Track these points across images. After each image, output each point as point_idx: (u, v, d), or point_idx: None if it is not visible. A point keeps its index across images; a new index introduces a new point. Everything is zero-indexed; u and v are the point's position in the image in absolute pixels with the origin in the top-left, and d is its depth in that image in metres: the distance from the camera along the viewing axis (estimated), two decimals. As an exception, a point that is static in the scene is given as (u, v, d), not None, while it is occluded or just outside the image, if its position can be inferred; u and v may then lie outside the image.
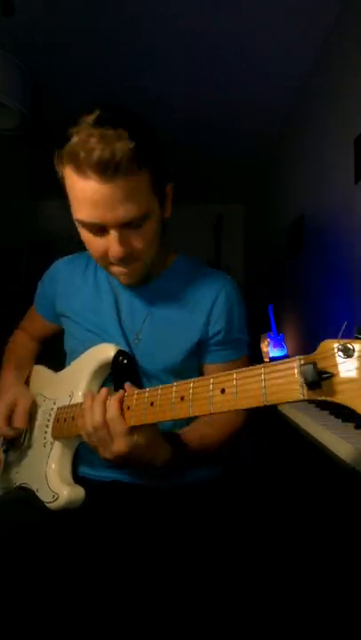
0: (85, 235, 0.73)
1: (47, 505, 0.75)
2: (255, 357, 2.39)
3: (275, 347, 2.24)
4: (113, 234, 0.69)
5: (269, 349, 2.25)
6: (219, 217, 3.96)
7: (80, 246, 0.98)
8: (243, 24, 1.85)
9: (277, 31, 1.87)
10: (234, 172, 3.44)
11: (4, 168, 3.33)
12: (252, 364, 0.54)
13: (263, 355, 2.33)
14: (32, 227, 4.05)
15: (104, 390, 0.70)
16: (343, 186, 1.68)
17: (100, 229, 0.70)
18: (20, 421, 0.85)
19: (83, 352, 0.85)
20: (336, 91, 1.79)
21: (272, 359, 2.22)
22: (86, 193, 0.65)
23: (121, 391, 0.69)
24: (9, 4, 1.68)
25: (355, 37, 1.60)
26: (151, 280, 0.86)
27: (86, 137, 0.62)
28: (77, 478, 0.82)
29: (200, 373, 0.89)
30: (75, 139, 0.64)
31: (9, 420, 0.85)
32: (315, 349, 0.49)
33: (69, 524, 0.75)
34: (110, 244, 0.70)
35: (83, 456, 0.85)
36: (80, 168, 0.64)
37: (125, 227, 0.69)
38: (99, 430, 0.67)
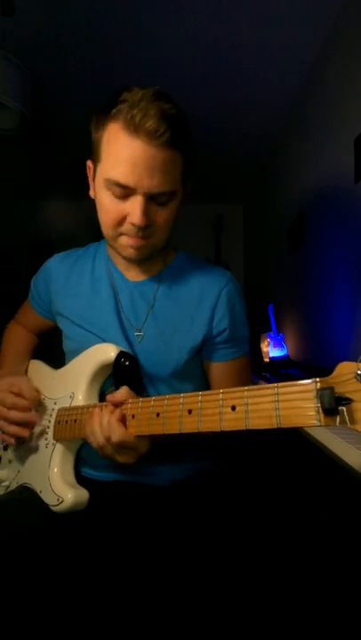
0: (107, 198, 0.72)
1: (52, 508, 0.75)
2: (256, 357, 2.40)
3: (275, 347, 2.24)
4: (139, 200, 0.69)
5: (269, 349, 2.25)
6: (219, 217, 3.96)
7: (80, 246, 0.98)
8: (243, 24, 1.85)
9: (277, 31, 1.87)
10: (234, 172, 3.44)
11: (4, 168, 3.33)
12: (252, 365, 0.53)
13: (263, 355, 2.33)
14: (32, 226, 4.04)
15: (104, 411, 0.69)
16: (343, 185, 1.68)
17: (127, 194, 0.70)
18: (30, 394, 0.82)
19: (82, 351, 0.84)
20: (336, 91, 1.79)
21: (272, 359, 2.21)
22: (131, 152, 0.67)
23: (119, 410, 0.68)
24: (9, 3, 1.68)
25: (355, 37, 1.60)
26: (152, 276, 0.85)
27: (145, 103, 0.66)
28: (80, 478, 0.82)
29: (203, 372, 0.89)
30: (132, 102, 0.66)
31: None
32: (329, 369, 0.46)
33: (73, 523, 0.76)
34: (134, 210, 0.70)
35: (84, 457, 0.85)
36: (133, 128, 0.66)
37: (153, 198, 0.71)
38: (106, 449, 0.67)
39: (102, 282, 0.88)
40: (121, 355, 0.78)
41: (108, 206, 0.73)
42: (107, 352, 0.80)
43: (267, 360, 2.26)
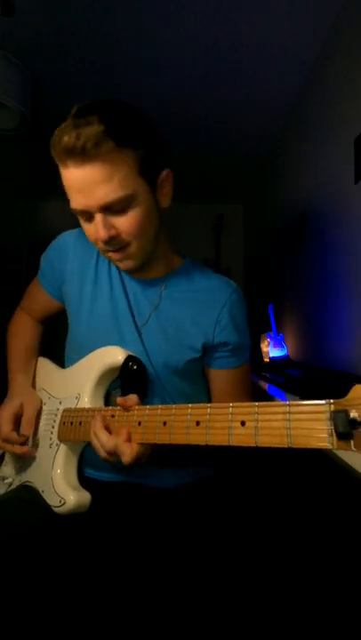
0: (82, 224, 0.76)
1: (53, 509, 0.74)
2: (256, 357, 2.40)
3: (275, 347, 2.24)
4: (97, 217, 0.71)
5: (269, 349, 2.25)
6: (219, 217, 3.96)
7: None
8: (243, 24, 1.84)
9: (277, 31, 1.87)
10: (234, 172, 3.44)
11: (4, 168, 3.32)
12: (251, 365, 0.53)
13: (263, 355, 2.33)
14: (32, 226, 4.05)
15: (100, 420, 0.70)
16: (343, 186, 1.68)
17: (89, 216, 0.72)
18: (26, 429, 0.84)
19: (89, 341, 0.85)
20: (336, 91, 1.79)
21: (272, 359, 2.21)
22: (68, 180, 0.69)
23: (125, 431, 0.67)
24: (9, 3, 1.68)
25: (355, 37, 1.60)
26: (158, 278, 0.85)
27: (62, 128, 0.67)
28: (83, 479, 0.81)
29: (205, 377, 0.89)
30: (55, 131, 0.68)
31: (16, 425, 0.85)
32: (345, 390, 0.45)
33: (74, 523, 0.75)
34: (95, 228, 0.72)
35: (87, 458, 0.85)
36: (59, 158, 0.68)
37: (108, 210, 0.70)
38: (113, 457, 0.68)
39: (114, 275, 0.88)
40: (129, 359, 0.78)
41: (86, 231, 0.76)
42: (115, 355, 0.79)
43: (267, 360, 2.26)
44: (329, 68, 1.87)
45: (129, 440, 0.66)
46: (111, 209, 0.70)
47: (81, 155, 0.65)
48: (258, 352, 2.38)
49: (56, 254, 0.93)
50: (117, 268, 0.88)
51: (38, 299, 0.99)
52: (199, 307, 0.84)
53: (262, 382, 1.75)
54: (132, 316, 0.84)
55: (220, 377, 0.87)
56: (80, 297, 0.88)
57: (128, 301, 0.85)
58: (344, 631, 0.70)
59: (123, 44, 2.00)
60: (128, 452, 0.64)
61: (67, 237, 0.93)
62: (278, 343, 2.24)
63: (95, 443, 0.69)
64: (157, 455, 0.70)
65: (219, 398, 0.87)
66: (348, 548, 0.85)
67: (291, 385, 1.50)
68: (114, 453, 0.66)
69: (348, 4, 1.64)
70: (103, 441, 0.67)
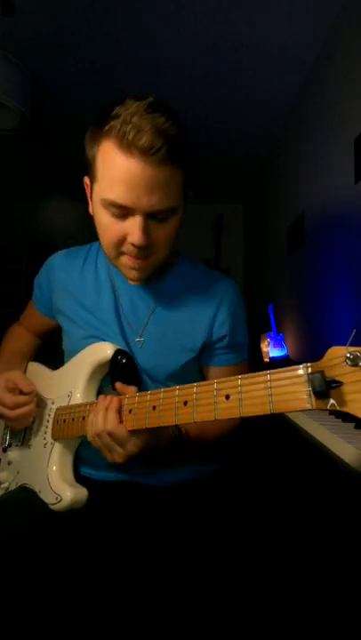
0: (105, 218, 0.70)
1: (50, 507, 0.75)
2: (255, 357, 2.40)
3: (275, 347, 2.24)
4: (138, 219, 0.67)
5: (269, 349, 2.25)
6: (219, 217, 3.96)
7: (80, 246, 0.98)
8: (243, 24, 1.85)
9: (277, 31, 1.87)
10: (234, 172, 3.44)
11: (4, 168, 3.32)
12: (251, 365, 0.54)
13: (263, 355, 2.33)
14: (32, 226, 4.04)
15: (102, 400, 0.70)
16: (343, 186, 1.68)
17: (125, 213, 0.68)
18: (27, 386, 0.83)
19: (80, 350, 0.85)
20: (336, 91, 1.79)
21: (272, 359, 2.21)
22: (126, 172, 0.64)
23: (118, 399, 0.69)
24: (9, 3, 1.68)
25: (355, 37, 1.60)
26: (154, 280, 0.84)
27: (138, 118, 0.62)
28: (80, 478, 0.82)
29: (202, 376, 0.89)
30: (124, 117, 0.63)
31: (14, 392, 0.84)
32: (321, 356, 0.47)
33: (72, 523, 0.76)
34: (133, 229, 0.68)
35: (83, 456, 0.85)
36: (127, 146, 0.63)
37: (152, 216, 0.68)
38: (102, 438, 0.68)
39: (104, 283, 0.87)
40: (118, 352, 0.79)
41: (107, 227, 0.71)
42: (104, 350, 0.80)
43: (267, 360, 2.26)
44: (329, 67, 1.87)
45: (121, 421, 0.67)
46: (156, 216, 0.68)
47: (155, 153, 0.62)
48: (258, 352, 2.39)
49: (44, 275, 0.93)
50: (109, 275, 0.87)
51: (33, 317, 1.02)
52: (197, 305, 0.83)
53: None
54: (121, 324, 0.84)
55: (218, 375, 0.86)
56: (69, 312, 0.88)
57: (117, 311, 0.85)
58: (343, 628, 0.70)
59: (123, 44, 2.00)
60: (113, 422, 0.66)
61: (54, 258, 0.93)
62: (278, 343, 2.24)
63: (90, 418, 0.70)
64: (154, 453, 0.71)
65: None
66: (342, 542, 0.86)
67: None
68: (103, 425, 0.67)
69: (348, 4, 1.64)
70: (99, 420, 0.68)
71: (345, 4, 1.67)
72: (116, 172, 0.65)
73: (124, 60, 2.11)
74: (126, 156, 0.63)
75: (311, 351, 2.09)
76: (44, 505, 0.76)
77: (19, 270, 4.05)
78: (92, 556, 0.73)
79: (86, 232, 0.92)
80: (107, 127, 0.64)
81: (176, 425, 0.74)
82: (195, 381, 0.88)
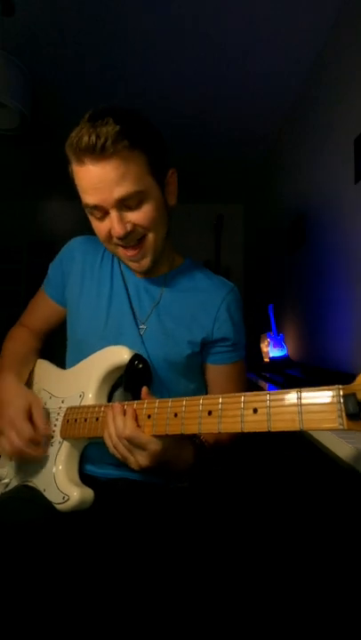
0: (93, 221, 0.79)
1: (56, 506, 0.74)
2: (255, 357, 2.40)
3: (275, 347, 2.24)
4: (113, 213, 0.74)
5: (269, 349, 2.25)
6: (219, 217, 3.96)
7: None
8: (243, 24, 1.85)
9: (277, 31, 1.87)
10: (234, 172, 3.44)
11: (4, 168, 3.33)
12: (249, 365, 0.54)
13: (263, 355, 2.33)
14: (32, 227, 4.05)
15: (118, 406, 0.70)
16: (343, 186, 1.68)
17: (103, 212, 0.75)
18: (46, 428, 0.81)
19: (88, 337, 0.87)
20: (336, 90, 1.79)
21: (272, 359, 2.21)
22: (85, 178, 0.72)
23: (135, 405, 0.69)
24: (9, 3, 1.69)
25: (355, 37, 1.60)
26: (159, 275, 0.89)
27: (79, 129, 0.71)
28: (83, 476, 0.82)
29: (203, 373, 0.92)
30: (74, 134, 0.72)
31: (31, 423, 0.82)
32: (353, 378, 0.49)
33: (76, 521, 0.76)
34: (112, 224, 0.75)
35: (88, 454, 0.85)
36: (77, 157, 0.71)
37: (123, 206, 0.74)
38: (120, 443, 0.69)
39: (116, 273, 0.92)
40: (135, 357, 0.79)
41: (96, 228, 0.80)
42: (120, 354, 0.80)
43: (267, 360, 2.26)
44: (329, 68, 1.87)
45: (138, 426, 0.67)
46: (126, 204, 0.74)
47: (100, 152, 0.69)
48: (258, 352, 2.39)
49: (64, 257, 0.97)
50: (119, 265, 0.92)
51: (40, 307, 1.02)
52: (199, 304, 0.88)
53: (262, 382, 1.76)
54: (133, 311, 0.88)
55: (216, 372, 0.91)
56: (80, 293, 0.91)
57: (129, 297, 0.89)
58: (342, 626, 0.70)
59: (123, 44, 2.00)
60: (131, 426, 0.66)
61: (75, 241, 0.98)
62: (278, 343, 2.24)
63: (105, 432, 0.70)
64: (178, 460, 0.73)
65: (214, 393, 0.88)
66: (342, 542, 0.86)
67: (291, 385, 1.50)
68: (121, 432, 0.67)
69: (349, 4, 1.65)
70: (119, 426, 0.68)
71: (345, 3, 1.67)
72: (81, 181, 0.74)
73: (124, 60, 2.11)
74: (81, 164, 0.72)
75: (311, 351, 2.09)
76: (49, 504, 0.75)
77: (19, 270, 4.05)
78: (97, 554, 0.73)
79: (86, 232, 0.93)
80: (67, 146, 0.74)
81: (195, 443, 0.77)
82: (196, 378, 0.91)
